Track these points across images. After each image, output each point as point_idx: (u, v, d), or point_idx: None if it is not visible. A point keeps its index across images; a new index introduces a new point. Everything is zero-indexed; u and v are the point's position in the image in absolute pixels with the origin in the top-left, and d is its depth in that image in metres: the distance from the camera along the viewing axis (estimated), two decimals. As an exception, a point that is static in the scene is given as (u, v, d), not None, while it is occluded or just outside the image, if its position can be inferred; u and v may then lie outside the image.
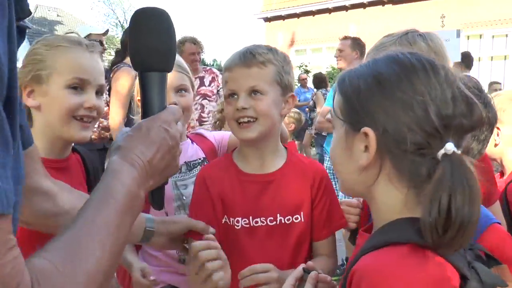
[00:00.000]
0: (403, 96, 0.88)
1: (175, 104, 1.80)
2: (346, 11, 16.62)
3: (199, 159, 1.96)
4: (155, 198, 1.04)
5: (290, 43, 18.34)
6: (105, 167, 0.89)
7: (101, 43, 4.92)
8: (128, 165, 0.86)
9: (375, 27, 14.36)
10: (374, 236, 0.95)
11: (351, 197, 1.88)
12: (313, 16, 17.55)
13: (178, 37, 4.83)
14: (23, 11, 0.66)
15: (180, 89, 1.87)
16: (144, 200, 0.89)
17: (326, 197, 1.61)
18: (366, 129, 0.91)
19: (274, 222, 1.55)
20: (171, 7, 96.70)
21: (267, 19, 19.21)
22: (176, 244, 1.56)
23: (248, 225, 1.55)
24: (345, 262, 4.61)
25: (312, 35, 17.39)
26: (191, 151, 1.97)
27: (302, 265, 1.20)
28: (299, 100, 10.25)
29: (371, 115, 0.91)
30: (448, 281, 0.82)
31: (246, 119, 1.52)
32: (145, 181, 0.89)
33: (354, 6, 16.30)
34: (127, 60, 3.80)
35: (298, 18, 18.05)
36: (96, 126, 4.01)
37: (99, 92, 1.57)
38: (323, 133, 8.13)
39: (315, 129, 7.90)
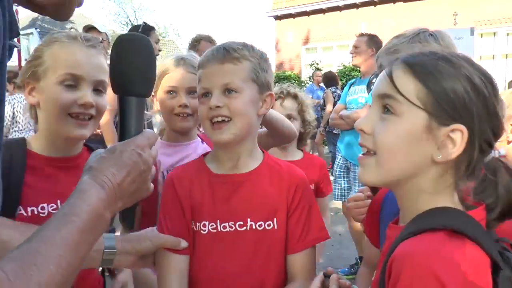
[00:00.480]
0: (491, 107, 0.94)
1: (186, 105, 1.81)
2: (357, 9, 16.54)
3: None
4: (125, 218, 1.09)
5: (300, 42, 18.30)
6: None
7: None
8: (97, 185, 0.89)
9: (386, 25, 14.27)
10: (410, 224, 0.96)
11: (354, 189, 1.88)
12: (324, 14, 17.48)
13: (193, 35, 4.82)
14: (13, 32, 0.69)
15: (192, 91, 1.84)
16: (109, 221, 0.92)
17: (304, 205, 1.48)
18: (460, 126, 0.92)
19: (244, 228, 1.43)
20: (179, 6, 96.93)
21: (277, 17, 19.16)
22: (146, 261, 1.46)
23: (215, 230, 1.43)
24: (358, 261, 4.59)
25: (322, 33, 17.34)
26: (200, 150, 1.94)
27: (323, 271, 1.20)
28: (312, 97, 10.34)
29: (463, 111, 0.92)
30: (485, 266, 0.86)
31: (220, 119, 1.40)
32: (113, 202, 0.92)
33: (365, 4, 16.21)
34: None
35: (309, 16, 17.99)
36: None
37: (99, 89, 1.49)
38: (334, 131, 8.12)
39: (329, 126, 7.89)
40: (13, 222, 1.24)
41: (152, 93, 1.90)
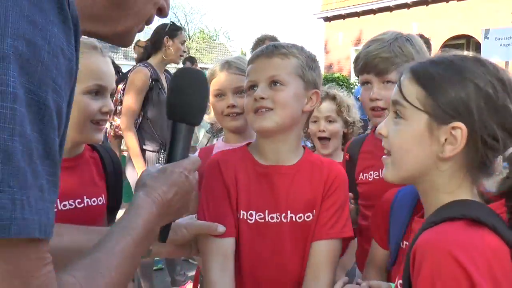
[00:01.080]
0: (491, 93, 0.98)
1: (234, 105, 1.89)
2: (408, 9, 16.26)
3: None
4: (162, 233, 1.17)
5: (350, 43, 18.15)
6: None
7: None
8: (150, 201, 1.01)
9: (438, 25, 13.95)
10: (432, 216, 1.01)
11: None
12: (374, 14, 17.29)
13: (243, 38, 4.92)
14: None
15: (239, 91, 1.90)
16: (157, 234, 1.05)
17: (336, 198, 1.51)
18: (459, 123, 0.97)
19: (286, 220, 1.47)
20: (230, 9, 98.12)
21: (327, 19, 19.13)
22: (185, 250, 1.49)
23: (262, 220, 1.47)
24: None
25: (373, 34, 16.74)
26: None
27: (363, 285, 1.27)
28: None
29: (462, 109, 0.98)
30: (504, 253, 0.90)
31: (263, 110, 1.44)
32: (162, 217, 1.04)
33: (417, 4, 15.92)
34: (152, 59, 3.82)
35: (359, 17, 17.85)
36: (109, 125, 4.02)
37: (111, 95, 1.57)
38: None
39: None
40: (73, 226, 1.33)
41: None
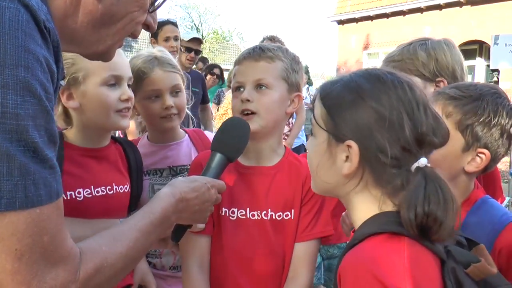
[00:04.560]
0: (385, 113, 0.98)
1: (172, 106, 1.83)
2: (421, 13, 16.31)
3: (189, 165, 1.85)
4: (176, 232, 1.34)
5: (363, 46, 18.27)
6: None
7: None
8: (171, 195, 1.20)
9: (451, 30, 13.99)
10: (356, 232, 1.02)
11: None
12: (387, 18, 17.36)
13: (256, 39, 5.11)
14: (61, 74, 0.90)
15: (175, 90, 1.86)
16: (173, 224, 1.23)
17: (316, 200, 1.57)
18: (351, 142, 0.99)
19: (266, 217, 1.53)
20: (244, 11, 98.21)
21: (340, 22, 19.23)
22: (166, 243, 1.51)
23: (244, 217, 1.54)
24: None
25: (385, 38, 17.22)
26: (183, 150, 1.94)
27: None
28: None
29: (355, 129, 1.00)
30: (427, 263, 0.92)
31: (249, 112, 1.51)
32: (178, 211, 1.21)
33: (430, 8, 15.95)
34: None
35: (372, 20, 17.93)
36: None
37: (129, 84, 1.64)
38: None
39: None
40: (82, 219, 1.43)
41: None
